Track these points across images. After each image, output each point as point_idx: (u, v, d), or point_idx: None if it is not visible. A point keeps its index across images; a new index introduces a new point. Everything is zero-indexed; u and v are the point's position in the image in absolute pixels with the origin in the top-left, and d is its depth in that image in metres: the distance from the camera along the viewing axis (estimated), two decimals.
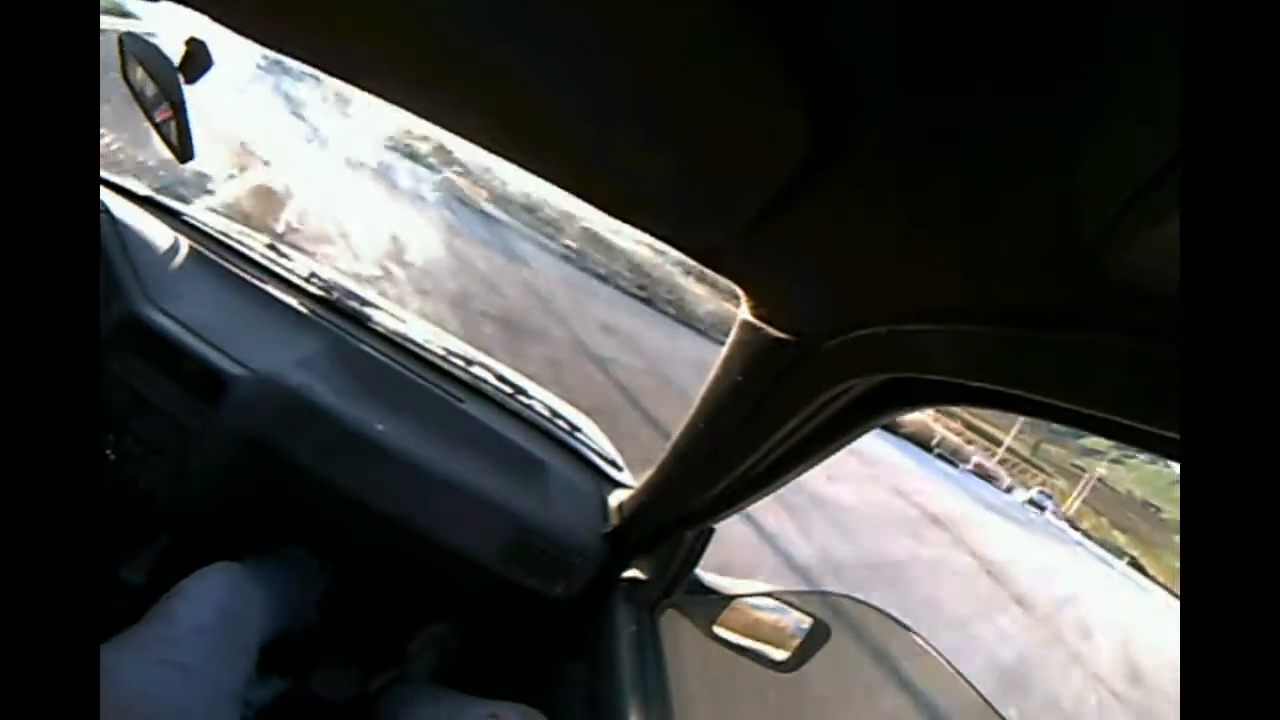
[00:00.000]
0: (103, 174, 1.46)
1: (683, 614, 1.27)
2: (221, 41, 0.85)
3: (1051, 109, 0.38)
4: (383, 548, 1.37)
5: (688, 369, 8.94)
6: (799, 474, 0.94)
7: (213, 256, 1.45)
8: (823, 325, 0.73)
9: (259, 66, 9.99)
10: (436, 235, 8.76)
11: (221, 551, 1.19)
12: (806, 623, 1.12)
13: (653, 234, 0.77)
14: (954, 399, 0.67)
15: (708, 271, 0.79)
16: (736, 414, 0.93)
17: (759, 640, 1.16)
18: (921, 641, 1.11)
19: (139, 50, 0.92)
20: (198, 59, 0.90)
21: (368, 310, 1.54)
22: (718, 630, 1.17)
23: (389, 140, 11.58)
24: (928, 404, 0.71)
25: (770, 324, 0.80)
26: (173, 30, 0.94)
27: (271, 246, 1.65)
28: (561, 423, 1.60)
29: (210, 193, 5.90)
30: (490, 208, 11.83)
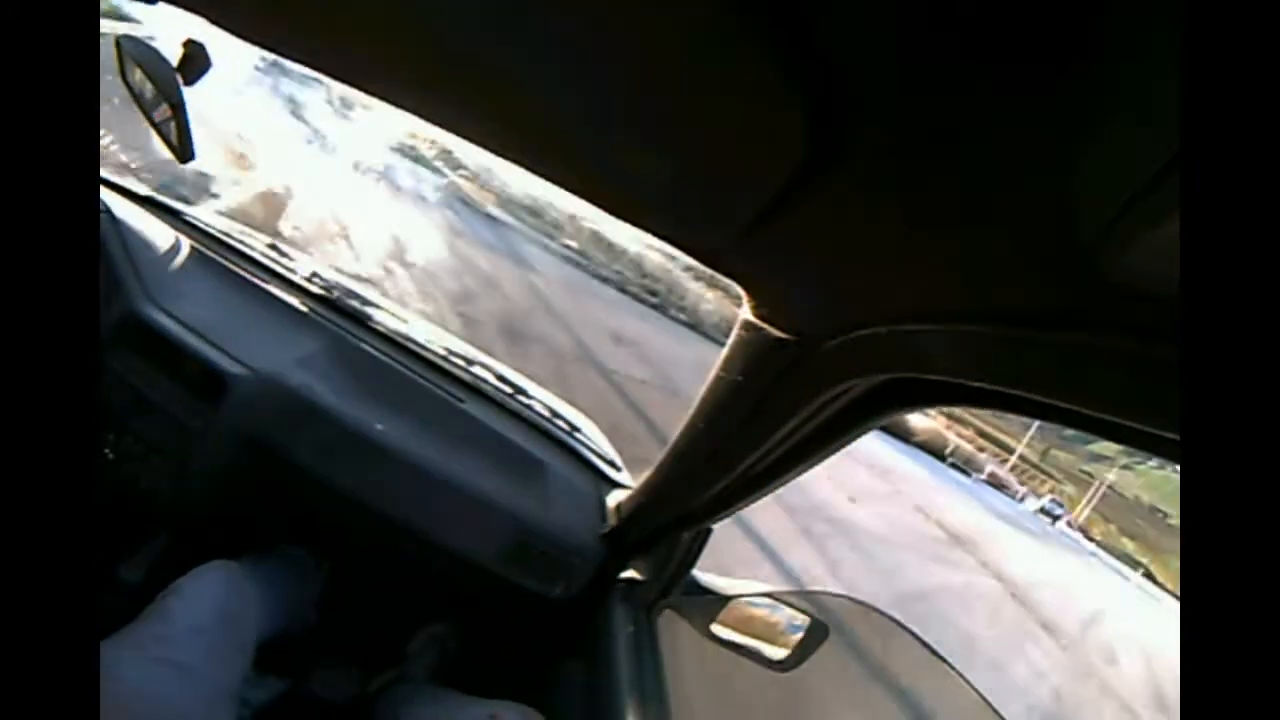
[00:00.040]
0: (103, 174, 1.46)
1: (680, 614, 1.27)
2: (220, 43, 0.85)
3: (1049, 111, 0.38)
4: (382, 547, 1.37)
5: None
6: (798, 474, 0.94)
7: (213, 256, 1.45)
8: (822, 326, 0.73)
9: (257, 68, 9.96)
10: (441, 238, 8.67)
11: (221, 551, 1.18)
12: (804, 622, 1.12)
13: (653, 234, 0.77)
14: (954, 399, 0.67)
15: (720, 276, 0.80)
16: (736, 414, 0.93)
17: (756, 640, 1.16)
18: (920, 641, 1.11)
19: (137, 52, 0.92)
20: (196, 61, 0.90)
21: (368, 310, 1.54)
22: (715, 630, 1.17)
23: (394, 143, 11.54)
24: (927, 404, 0.71)
25: (770, 324, 0.80)
26: (171, 33, 0.94)
27: (272, 246, 1.65)
28: (561, 423, 1.60)
29: (215, 195, 5.90)
30: (497, 211, 11.74)
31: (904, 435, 13.96)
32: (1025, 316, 0.50)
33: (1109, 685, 9.07)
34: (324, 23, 0.67)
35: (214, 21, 0.76)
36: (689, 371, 8.80)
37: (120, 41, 0.94)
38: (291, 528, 1.44)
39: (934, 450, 14.73)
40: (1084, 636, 10.58)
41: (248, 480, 1.29)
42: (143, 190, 1.56)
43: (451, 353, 1.58)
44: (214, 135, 6.97)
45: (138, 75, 0.93)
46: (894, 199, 0.52)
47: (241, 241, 1.55)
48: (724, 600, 1.19)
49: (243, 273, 1.44)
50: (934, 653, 1.07)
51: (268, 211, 6.30)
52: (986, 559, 10.70)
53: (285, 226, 6.20)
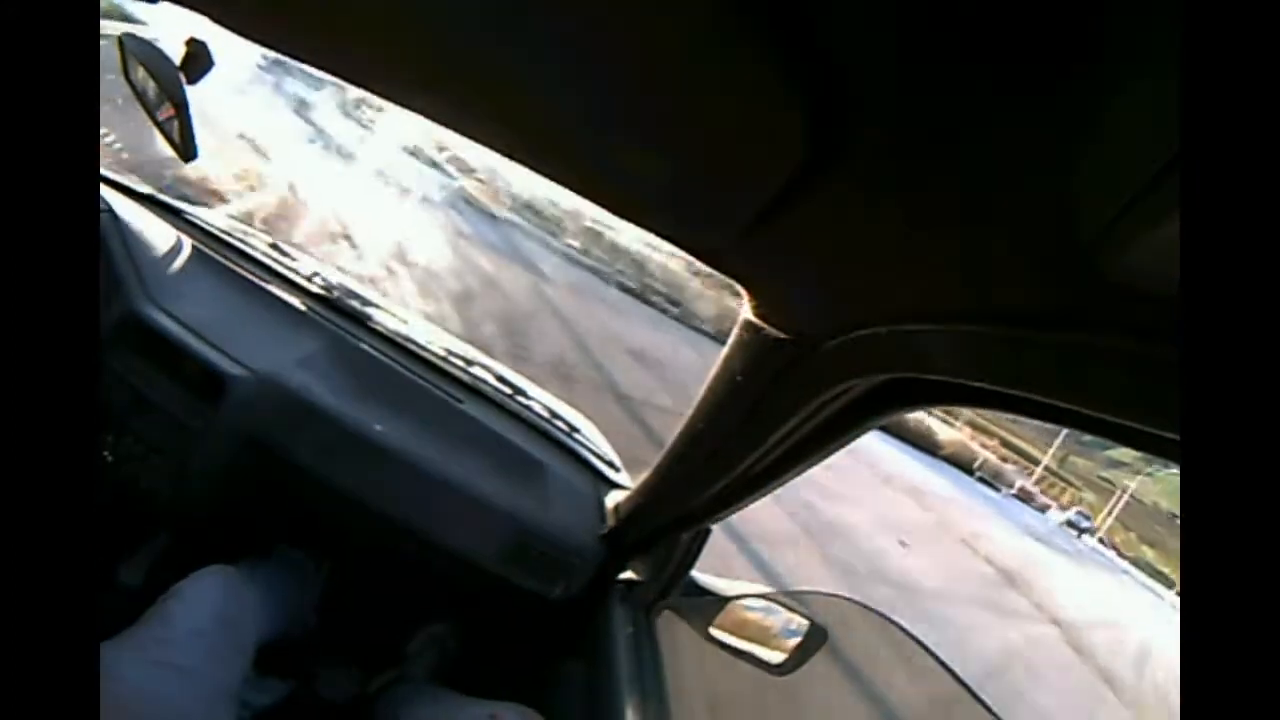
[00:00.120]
0: (104, 172, 1.46)
1: (679, 615, 1.27)
2: (223, 42, 0.85)
3: (1050, 112, 0.38)
4: (382, 548, 1.37)
5: None
6: (798, 474, 0.94)
7: (215, 255, 1.45)
8: (822, 326, 0.73)
9: (259, 66, 9.94)
10: (455, 244, 8.54)
11: (221, 551, 1.19)
12: (803, 625, 1.12)
13: (653, 233, 0.77)
14: (954, 399, 0.67)
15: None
16: (736, 414, 0.93)
17: (755, 642, 1.15)
18: (918, 643, 1.11)
19: (140, 51, 0.92)
20: (199, 59, 0.90)
21: (368, 310, 1.54)
22: (714, 632, 1.17)
23: (407, 146, 11.48)
24: (927, 404, 0.71)
25: (770, 324, 0.80)
26: (174, 31, 0.94)
27: (274, 245, 1.65)
28: (560, 423, 1.60)
29: (220, 197, 5.88)
30: (512, 216, 11.62)
31: (931, 449, 13.91)
32: (1025, 316, 0.50)
33: None
34: (325, 22, 0.68)
35: (216, 20, 0.77)
36: None
37: (123, 40, 0.94)
38: (291, 528, 1.44)
39: (962, 464, 14.67)
40: (1140, 681, 10.44)
41: (247, 480, 1.29)
42: (144, 189, 1.57)
43: (451, 353, 1.58)
44: (219, 142, 6.93)
45: (140, 74, 0.94)
46: (894, 199, 0.52)
47: (243, 241, 1.55)
48: (723, 601, 1.18)
49: (243, 272, 1.44)
50: (933, 655, 1.06)
51: (274, 215, 6.28)
52: (1039, 600, 10.55)
53: (286, 226, 6.18)
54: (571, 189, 0.76)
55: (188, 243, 1.43)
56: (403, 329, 1.55)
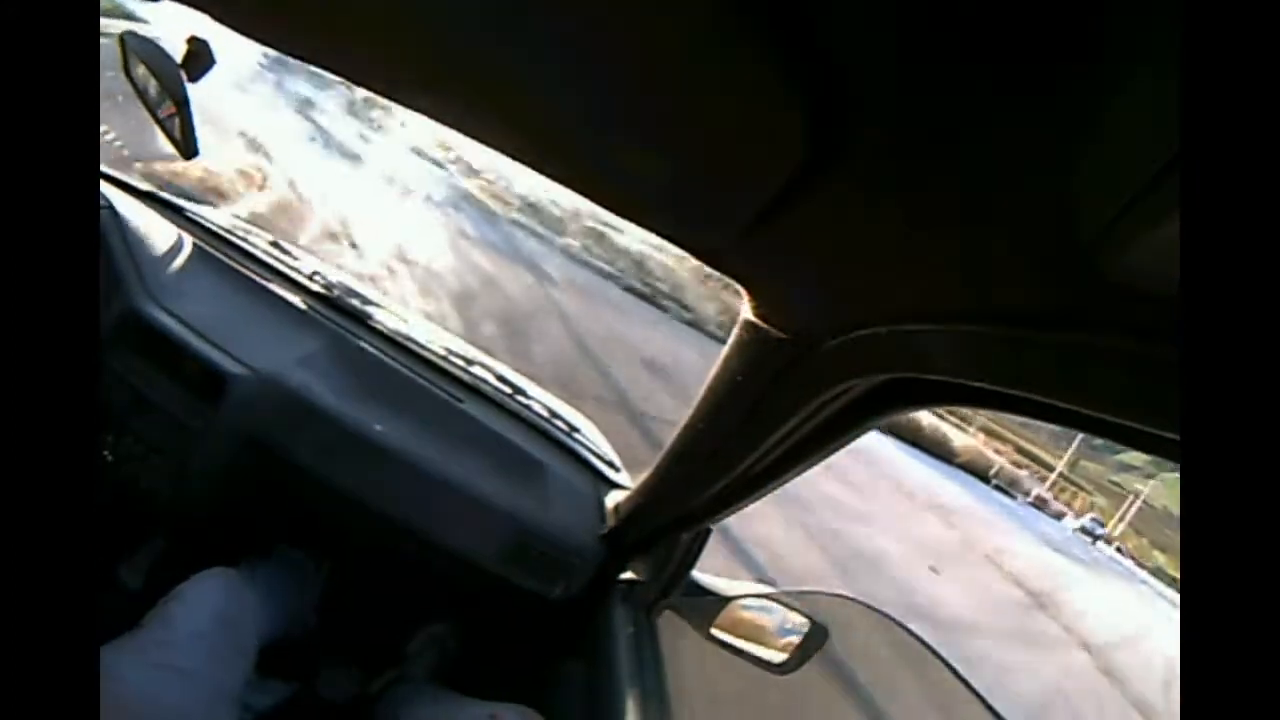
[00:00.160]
0: (105, 169, 1.46)
1: (680, 615, 1.27)
2: (225, 40, 0.85)
3: (1049, 111, 0.38)
4: (382, 547, 1.37)
5: None
6: (797, 474, 0.94)
7: (215, 253, 1.45)
8: (822, 326, 0.73)
9: (261, 64, 9.91)
10: (457, 245, 8.43)
11: (221, 552, 1.19)
12: (804, 624, 1.12)
13: (654, 233, 0.77)
14: (954, 399, 0.66)
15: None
16: (736, 414, 0.93)
17: (756, 642, 1.15)
18: (919, 640, 1.11)
19: (141, 49, 0.92)
20: (200, 58, 0.91)
21: (369, 309, 1.54)
22: (715, 632, 1.17)
23: (413, 147, 11.43)
24: (927, 404, 0.71)
25: (770, 324, 0.80)
26: (176, 29, 0.94)
27: (274, 243, 1.65)
28: (560, 423, 1.60)
29: (221, 195, 5.86)
30: (520, 217, 11.51)
31: (947, 457, 13.85)
32: (1025, 316, 0.50)
33: None
34: (326, 21, 0.68)
35: (217, 18, 0.77)
36: None
37: (125, 38, 0.95)
38: (291, 528, 1.44)
39: (977, 471, 14.60)
40: (1168, 705, 10.30)
41: (247, 480, 1.29)
42: (145, 186, 1.57)
43: (451, 352, 1.58)
44: (220, 139, 6.88)
45: (142, 71, 0.94)
46: (894, 199, 0.51)
47: (244, 239, 1.55)
48: (724, 601, 1.18)
49: (244, 271, 1.44)
50: (933, 652, 1.06)
51: (275, 213, 6.25)
52: (1068, 622, 10.42)
53: (287, 225, 6.14)
54: (571, 188, 0.75)
55: (188, 241, 1.43)
56: (403, 328, 1.55)
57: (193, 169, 5.77)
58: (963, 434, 15.34)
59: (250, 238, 1.58)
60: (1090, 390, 0.47)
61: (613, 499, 1.40)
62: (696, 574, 1.28)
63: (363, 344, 1.41)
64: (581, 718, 1.18)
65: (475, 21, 0.56)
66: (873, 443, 11.34)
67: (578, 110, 0.62)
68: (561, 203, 12.14)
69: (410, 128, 11.10)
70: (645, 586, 1.30)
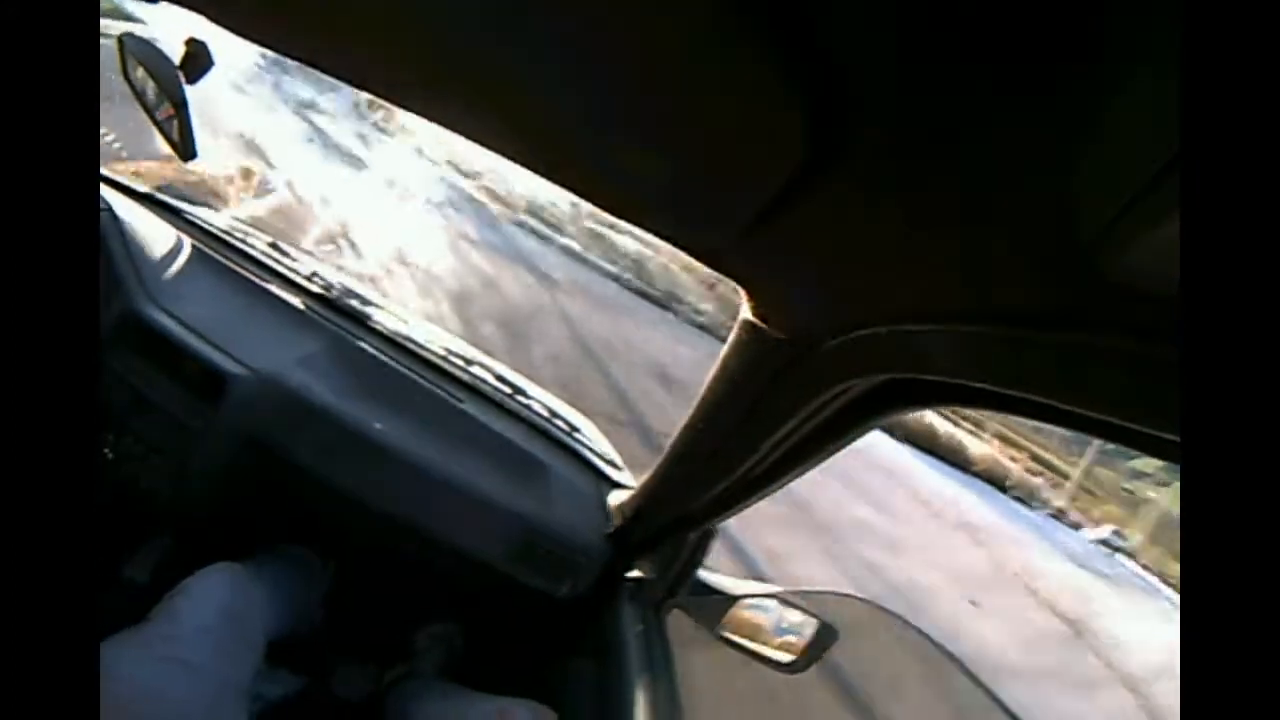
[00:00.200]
0: (104, 171, 1.46)
1: (688, 614, 1.27)
2: (223, 42, 0.85)
3: (1050, 112, 0.38)
4: (384, 547, 1.37)
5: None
6: (798, 475, 0.94)
7: (215, 255, 1.45)
8: (823, 326, 0.73)
9: (259, 66, 9.85)
10: (458, 247, 8.24)
11: (223, 551, 1.19)
12: (813, 624, 1.12)
13: (653, 234, 0.77)
14: (954, 399, 0.66)
15: None
16: (735, 414, 0.93)
17: (764, 641, 1.15)
18: (930, 640, 1.11)
19: (139, 50, 0.92)
20: (198, 59, 0.90)
21: (368, 309, 1.54)
22: (723, 631, 1.17)
23: (415, 148, 11.34)
24: (927, 404, 0.71)
25: (770, 324, 0.80)
26: (174, 30, 0.94)
27: (273, 245, 1.65)
28: (560, 423, 1.60)
29: (219, 198, 5.81)
30: (526, 218, 11.34)
31: (963, 465, 13.72)
32: (1025, 316, 0.50)
33: None
34: (324, 22, 0.68)
35: (214, 20, 0.77)
36: None
37: (123, 40, 0.94)
38: (292, 528, 1.44)
39: (995, 480, 14.44)
40: None
41: (248, 480, 1.29)
42: (144, 188, 1.57)
43: (451, 353, 1.58)
44: (217, 141, 6.81)
45: (140, 73, 0.94)
46: (894, 199, 0.51)
47: (243, 240, 1.55)
48: (731, 600, 1.18)
49: (243, 272, 1.44)
50: (945, 652, 1.06)
51: (273, 215, 6.19)
52: (1109, 656, 10.13)
53: (285, 227, 6.09)
54: (571, 189, 0.76)
55: (188, 242, 1.43)
56: (402, 329, 1.55)
57: (189, 172, 5.73)
58: (979, 441, 15.17)
59: (249, 239, 1.58)
60: (1090, 391, 0.47)
61: (615, 498, 1.40)
62: (704, 573, 1.28)
63: (362, 344, 1.41)
64: (591, 715, 1.17)
65: (475, 22, 0.56)
66: (895, 456, 11.12)
67: (577, 110, 0.62)
68: (576, 205, 11.92)
69: (412, 130, 11.01)
70: (652, 585, 1.30)
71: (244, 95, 8.93)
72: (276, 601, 1.24)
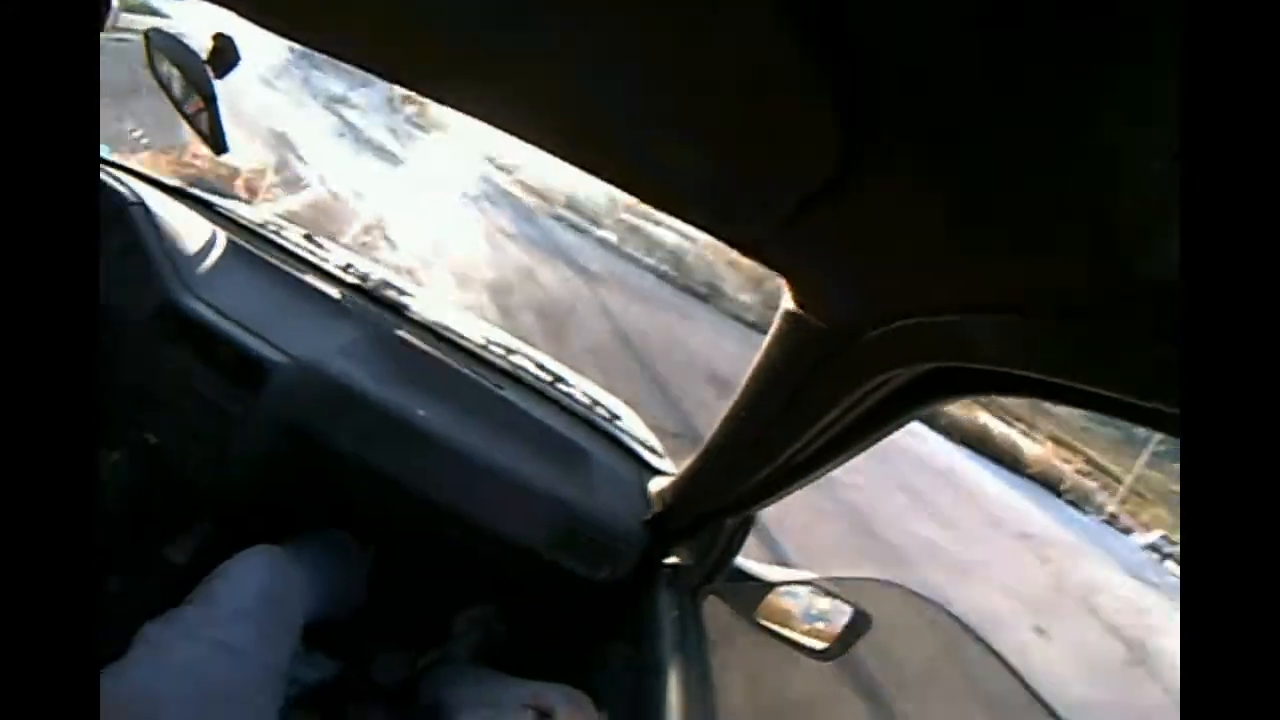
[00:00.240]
0: (137, 167, 1.48)
1: (724, 600, 1.27)
2: (251, 36, 0.85)
3: (1096, 98, 0.37)
4: (425, 533, 1.38)
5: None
6: (841, 463, 0.93)
7: (249, 248, 1.47)
8: (864, 316, 0.72)
9: (288, 59, 9.89)
10: (494, 240, 8.26)
11: (263, 537, 1.20)
12: (848, 610, 1.10)
13: (694, 225, 0.77)
14: (998, 388, 0.65)
15: None
16: (777, 403, 0.92)
17: (799, 628, 1.14)
18: (963, 626, 1.09)
19: (166, 45, 0.92)
20: (225, 54, 0.90)
21: (405, 299, 1.55)
22: (759, 617, 1.16)
23: (453, 145, 11.34)
24: (971, 393, 0.71)
25: (812, 314, 0.79)
26: (200, 26, 0.94)
27: (307, 237, 1.66)
28: (601, 410, 1.60)
29: (252, 193, 5.89)
30: (565, 213, 11.27)
31: (1018, 467, 13.53)
32: (1069, 306, 0.49)
33: None
34: (356, 13, 0.67)
35: (239, 13, 0.76)
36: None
37: (150, 35, 0.95)
38: (331, 514, 1.46)
39: (1049, 484, 14.21)
40: None
41: (288, 467, 1.30)
42: (176, 183, 1.59)
43: (490, 341, 1.58)
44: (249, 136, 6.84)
45: (166, 68, 0.94)
46: (934, 192, 0.51)
47: (276, 233, 1.57)
48: (768, 587, 1.18)
49: (278, 263, 1.46)
50: (979, 639, 1.05)
51: (312, 213, 6.24)
52: (1168, 682, 9.87)
53: (322, 220, 6.14)
54: (611, 182, 0.75)
55: (222, 236, 1.45)
56: (441, 318, 1.56)
57: (221, 165, 5.80)
58: (1032, 443, 14.93)
59: (284, 232, 1.60)
60: (1134, 378, 0.46)
61: (656, 485, 1.40)
62: (741, 560, 1.27)
63: (401, 332, 1.41)
64: (627, 699, 1.18)
65: (512, 14, 0.55)
66: (951, 459, 10.87)
67: (617, 105, 0.62)
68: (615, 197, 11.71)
69: (446, 125, 11.01)
70: (690, 571, 1.30)
71: (274, 90, 9.02)
72: (315, 585, 1.25)
